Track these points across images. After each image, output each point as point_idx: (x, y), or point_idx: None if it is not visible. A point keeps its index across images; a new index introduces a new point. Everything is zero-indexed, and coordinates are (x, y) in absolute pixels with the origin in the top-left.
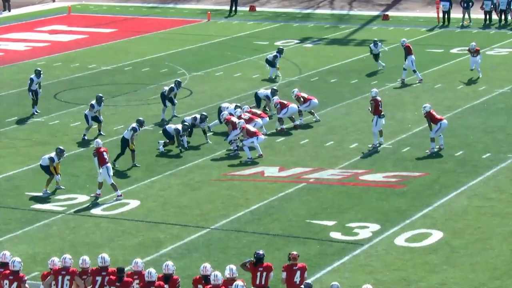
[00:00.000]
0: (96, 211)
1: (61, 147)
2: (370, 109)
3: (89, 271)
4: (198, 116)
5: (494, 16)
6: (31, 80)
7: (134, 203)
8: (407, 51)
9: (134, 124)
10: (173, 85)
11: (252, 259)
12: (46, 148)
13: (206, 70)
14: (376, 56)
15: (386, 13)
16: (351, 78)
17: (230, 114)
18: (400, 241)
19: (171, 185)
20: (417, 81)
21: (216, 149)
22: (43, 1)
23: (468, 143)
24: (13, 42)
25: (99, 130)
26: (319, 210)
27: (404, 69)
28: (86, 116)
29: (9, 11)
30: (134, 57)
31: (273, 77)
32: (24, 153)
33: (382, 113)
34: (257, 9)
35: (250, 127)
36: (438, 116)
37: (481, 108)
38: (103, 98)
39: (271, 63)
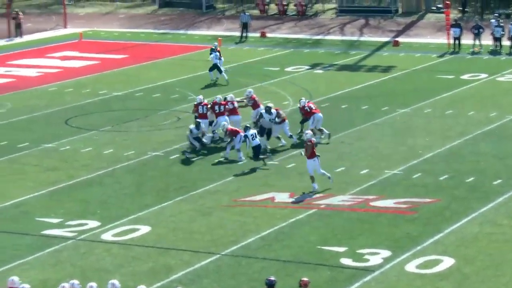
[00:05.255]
0: (106, 236)
1: None
2: (303, 153)
3: None
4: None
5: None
6: None
7: (144, 229)
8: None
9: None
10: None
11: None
12: (56, 173)
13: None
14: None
15: (397, 39)
16: (362, 104)
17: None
18: (411, 267)
19: (182, 210)
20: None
21: (226, 174)
22: (55, 27)
23: (479, 170)
24: (25, 68)
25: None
26: (329, 236)
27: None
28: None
29: (21, 37)
30: (145, 83)
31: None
32: (34, 178)
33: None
34: (268, 35)
35: (232, 127)
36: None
37: (492, 134)
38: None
39: (217, 67)
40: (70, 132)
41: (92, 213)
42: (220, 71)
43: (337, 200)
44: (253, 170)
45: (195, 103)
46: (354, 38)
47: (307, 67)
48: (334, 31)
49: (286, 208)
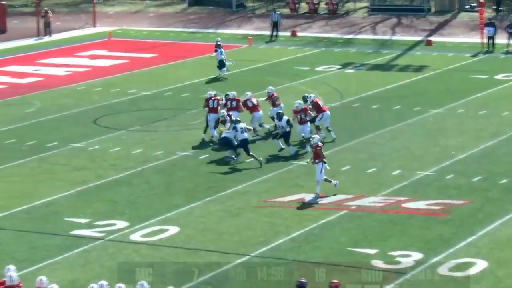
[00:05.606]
0: (135, 237)
1: None
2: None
3: None
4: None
5: None
6: None
7: (173, 230)
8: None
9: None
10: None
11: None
12: (85, 173)
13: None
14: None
15: (429, 38)
16: (394, 104)
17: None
18: (443, 270)
19: (211, 211)
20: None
21: (255, 175)
22: (84, 26)
23: None
24: (53, 67)
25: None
26: (360, 237)
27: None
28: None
29: (50, 35)
30: (174, 82)
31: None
32: (63, 178)
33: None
34: (298, 34)
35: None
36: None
37: None
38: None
39: (222, 63)
40: (99, 132)
41: (121, 213)
42: (221, 68)
43: (368, 201)
44: (282, 171)
45: (206, 97)
46: (386, 37)
47: (338, 67)
48: (365, 30)
49: (317, 209)
